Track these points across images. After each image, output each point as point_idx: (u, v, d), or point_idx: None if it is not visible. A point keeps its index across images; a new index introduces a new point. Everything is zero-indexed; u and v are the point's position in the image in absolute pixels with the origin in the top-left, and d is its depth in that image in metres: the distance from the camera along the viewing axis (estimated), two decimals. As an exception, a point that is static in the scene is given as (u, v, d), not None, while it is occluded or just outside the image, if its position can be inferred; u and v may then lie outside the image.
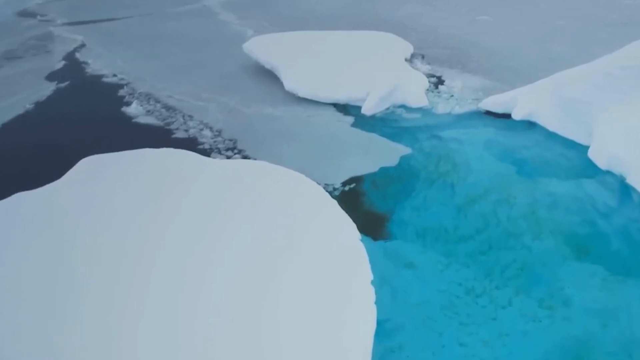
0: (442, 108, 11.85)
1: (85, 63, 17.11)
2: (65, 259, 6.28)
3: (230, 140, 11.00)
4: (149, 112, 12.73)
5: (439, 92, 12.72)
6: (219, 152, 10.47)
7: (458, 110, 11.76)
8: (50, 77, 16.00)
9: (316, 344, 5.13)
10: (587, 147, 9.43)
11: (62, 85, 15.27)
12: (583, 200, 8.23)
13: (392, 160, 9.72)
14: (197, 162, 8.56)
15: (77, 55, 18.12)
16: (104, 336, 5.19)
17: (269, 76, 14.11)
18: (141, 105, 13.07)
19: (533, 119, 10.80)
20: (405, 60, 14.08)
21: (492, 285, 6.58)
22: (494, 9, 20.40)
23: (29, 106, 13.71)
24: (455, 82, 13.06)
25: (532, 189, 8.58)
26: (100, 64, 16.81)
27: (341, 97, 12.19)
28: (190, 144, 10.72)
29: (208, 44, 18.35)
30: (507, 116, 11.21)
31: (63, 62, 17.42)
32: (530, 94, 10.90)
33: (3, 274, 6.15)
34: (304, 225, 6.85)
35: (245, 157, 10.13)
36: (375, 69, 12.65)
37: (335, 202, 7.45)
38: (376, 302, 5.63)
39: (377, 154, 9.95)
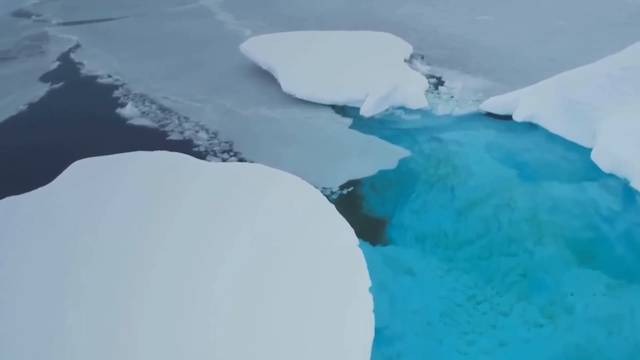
0: (442, 109, 11.74)
1: (80, 64, 16.97)
2: (64, 260, 6.26)
3: (227, 142, 10.89)
4: (144, 114, 12.60)
5: (438, 93, 12.62)
6: (215, 155, 10.36)
7: (458, 111, 11.66)
8: (45, 78, 15.86)
9: (313, 354, 5.02)
10: (590, 150, 9.34)
11: (56, 86, 15.13)
12: (586, 204, 8.13)
13: (391, 163, 9.62)
14: (192, 165, 8.44)
15: (72, 55, 17.98)
16: (104, 336, 5.19)
17: (266, 77, 14.01)
18: (136, 107, 12.94)
19: (535, 121, 10.72)
20: (405, 60, 13.99)
21: (493, 292, 6.50)
22: (494, 9, 20.39)
23: (22, 107, 13.58)
24: (455, 83, 12.96)
25: (533, 192, 8.48)
26: (95, 64, 16.68)
27: (339, 99, 12.09)
28: (186, 147, 10.62)
29: (205, 44, 18.25)
30: (508, 118, 11.12)
31: (57, 63, 17.28)
32: (531, 95, 10.81)
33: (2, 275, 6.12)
34: (301, 229, 6.75)
35: (241, 160, 10.04)
36: (374, 70, 12.54)
37: (332, 206, 7.35)
38: (374, 310, 5.55)
39: (375, 157, 9.86)
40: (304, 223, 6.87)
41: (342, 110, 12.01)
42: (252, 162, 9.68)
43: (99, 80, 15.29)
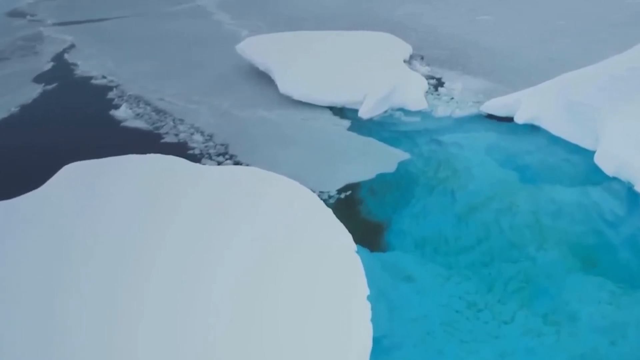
0: (442, 111, 11.61)
1: (75, 64, 16.85)
2: (64, 262, 6.25)
3: (222, 145, 10.75)
4: (138, 116, 12.46)
5: (438, 95, 12.48)
6: (210, 158, 10.21)
7: (458, 113, 11.53)
8: (38, 79, 15.73)
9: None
10: (593, 152, 9.24)
11: (49, 87, 15.00)
12: (589, 208, 8.04)
13: (390, 166, 9.51)
14: (185, 169, 8.31)
15: (66, 56, 17.87)
16: (104, 336, 5.20)
17: (263, 78, 13.88)
18: (130, 108, 12.79)
19: (536, 123, 10.63)
20: (404, 61, 13.88)
21: (494, 299, 6.40)
22: (494, 8, 20.37)
23: (14, 109, 13.44)
24: (455, 84, 12.83)
25: (535, 196, 8.39)
26: (89, 65, 16.56)
27: (337, 100, 11.96)
28: (180, 149, 10.49)
29: (202, 44, 18.15)
30: (509, 120, 11.02)
31: (51, 64, 17.16)
32: (533, 96, 10.72)
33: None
34: (297, 235, 6.64)
35: (237, 163, 9.91)
36: (373, 71, 12.42)
37: (330, 210, 7.25)
38: (373, 318, 5.48)
39: (374, 160, 9.75)
40: (300, 229, 6.77)
41: (340, 111, 11.90)
42: (248, 165, 9.57)
43: (93, 81, 15.15)
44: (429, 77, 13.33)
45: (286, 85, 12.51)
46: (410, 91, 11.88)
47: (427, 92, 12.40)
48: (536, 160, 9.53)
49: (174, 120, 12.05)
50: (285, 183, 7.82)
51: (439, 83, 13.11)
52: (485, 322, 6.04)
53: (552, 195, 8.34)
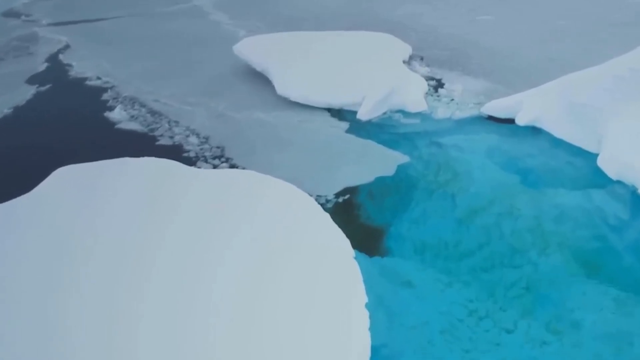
0: (442, 113, 11.48)
1: (69, 65, 16.69)
2: (64, 262, 6.23)
3: (218, 147, 10.61)
4: (132, 118, 12.31)
5: (438, 96, 12.35)
6: (205, 161, 10.07)
7: (459, 115, 11.40)
8: (32, 80, 15.57)
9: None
10: (596, 155, 9.13)
11: (43, 88, 14.84)
12: (592, 212, 7.94)
13: (389, 169, 9.39)
14: (180, 173, 8.20)
15: (61, 57, 17.71)
16: (103, 336, 5.21)
17: (260, 79, 13.74)
18: (125, 110, 12.64)
19: (538, 125, 10.52)
20: (404, 62, 13.76)
21: (495, 307, 6.30)
22: (494, 8, 20.33)
23: (7, 111, 13.30)
24: (455, 85, 12.71)
25: (537, 200, 8.29)
26: (84, 66, 16.40)
27: (335, 102, 11.83)
28: (175, 152, 10.36)
29: (198, 45, 18.03)
30: (510, 121, 10.91)
31: (46, 64, 17.00)
32: (534, 98, 10.62)
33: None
34: (294, 241, 6.54)
35: (233, 166, 9.80)
36: (372, 72, 12.29)
37: (327, 215, 7.15)
38: (371, 326, 5.38)
39: (373, 163, 9.64)
40: (297, 234, 6.66)
41: (338, 113, 11.77)
42: (244, 168, 9.46)
43: (88, 83, 15.00)
44: (428, 78, 13.20)
45: (283, 86, 12.36)
46: (410, 92, 11.75)
47: (426, 93, 12.28)
48: (538, 163, 9.42)
49: (169, 122, 11.90)
50: (282, 187, 7.72)
51: (439, 84, 12.98)
52: (486, 330, 5.93)
53: (554, 199, 8.24)
